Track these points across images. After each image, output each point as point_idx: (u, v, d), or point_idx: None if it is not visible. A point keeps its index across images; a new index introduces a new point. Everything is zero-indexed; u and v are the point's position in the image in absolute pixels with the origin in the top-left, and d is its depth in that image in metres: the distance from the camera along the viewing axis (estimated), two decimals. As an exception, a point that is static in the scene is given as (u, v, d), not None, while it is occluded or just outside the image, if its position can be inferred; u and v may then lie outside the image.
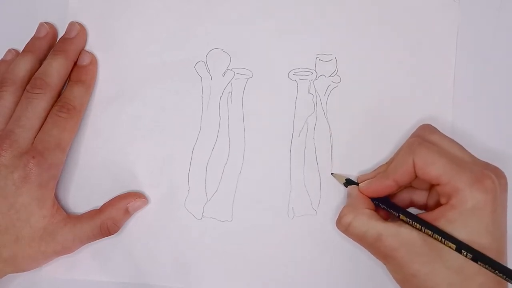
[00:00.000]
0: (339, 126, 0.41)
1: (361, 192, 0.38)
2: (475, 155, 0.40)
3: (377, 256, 0.36)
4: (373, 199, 0.37)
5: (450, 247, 0.32)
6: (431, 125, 0.38)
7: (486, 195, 0.32)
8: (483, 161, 0.36)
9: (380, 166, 0.39)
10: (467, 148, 0.40)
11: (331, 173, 0.40)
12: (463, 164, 0.34)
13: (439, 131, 0.37)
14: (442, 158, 0.34)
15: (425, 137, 0.37)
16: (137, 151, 0.42)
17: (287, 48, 0.41)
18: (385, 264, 0.35)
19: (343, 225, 0.36)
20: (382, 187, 0.37)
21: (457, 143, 0.37)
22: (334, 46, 0.41)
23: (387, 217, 0.37)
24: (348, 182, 0.39)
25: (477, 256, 0.32)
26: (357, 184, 0.39)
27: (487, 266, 0.32)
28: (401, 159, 0.35)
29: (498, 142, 0.41)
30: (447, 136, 0.37)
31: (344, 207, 0.37)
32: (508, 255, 0.35)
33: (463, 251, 0.32)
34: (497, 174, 0.34)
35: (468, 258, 0.32)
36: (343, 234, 0.37)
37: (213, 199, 0.41)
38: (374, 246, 0.35)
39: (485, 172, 0.33)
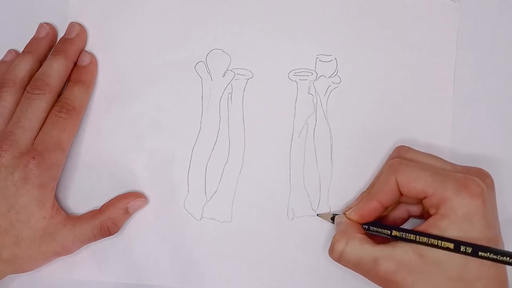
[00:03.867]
0: (339, 127, 0.41)
1: (349, 219, 0.37)
2: (475, 156, 0.40)
3: (376, 282, 0.35)
4: (362, 225, 0.37)
5: (447, 247, 0.32)
6: (405, 145, 0.39)
7: (475, 200, 0.32)
8: (464, 166, 0.36)
9: (361, 194, 0.39)
10: (467, 149, 0.40)
11: (317, 214, 0.40)
12: (446, 173, 0.34)
13: (414, 149, 0.38)
14: (424, 172, 0.34)
15: (402, 156, 0.37)
16: (137, 151, 0.42)
17: (287, 48, 0.41)
18: None
19: (336, 252, 0.35)
20: (368, 210, 0.36)
21: (434, 155, 0.37)
22: (334, 46, 0.41)
23: (379, 242, 0.37)
24: (334, 216, 0.39)
25: (476, 248, 0.32)
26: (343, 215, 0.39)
27: (488, 254, 0.32)
28: (384, 179, 0.36)
29: (498, 142, 0.41)
30: (422, 152, 0.37)
31: (334, 234, 0.36)
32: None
33: (461, 247, 0.32)
34: (481, 175, 0.35)
35: (468, 253, 0.32)
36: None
37: (212, 199, 0.41)
38: (371, 272, 0.34)
39: (469, 177, 0.33)
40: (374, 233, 0.37)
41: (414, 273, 0.33)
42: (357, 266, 0.35)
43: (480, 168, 0.36)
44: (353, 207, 0.37)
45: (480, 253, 0.32)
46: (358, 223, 0.37)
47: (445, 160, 0.37)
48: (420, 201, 0.37)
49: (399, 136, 0.40)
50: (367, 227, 0.37)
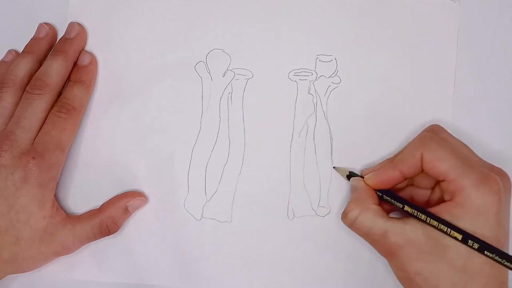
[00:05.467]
0: (339, 127, 0.41)
1: (366, 185, 0.38)
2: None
3: (381, 253, 0.36)
4: (377, 191, 0.37)
5: (455, 237, 0.33)
6: (441, 126, 0.38)
7: (492, 197, 0.33)
8: (489, 163, 0.36)
9: (384, 160, 0.39)
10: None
11: (333, 167, 0.40)
12: (471, 163, 0.34)
13: (447, 131, 0.38)
14: (452, 155, 0.34)
15: (435, 134, 0.37)
16: (137, 151, 0.42)
17: (287, 48, 0.41)
18: (389, 261, 0.36)
19: (349, 220, 0.36)
20: (388, 178, 0.37)
21: (464, 144, 0.37)
22: (334, 46, 0.41)
23: (390, 210, 0.38)
24: (351, 175, 0.39)
25: (483, 246, 0.32)
26: (360, 177, 0.39)
27: (493, 255, 0.32)
28: (410, 151, 0.36)
29: (498, 142, 0.41)
30: (455, 137, 0.37)
31: (349, 201, 0.37)
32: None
33: (469, 241, 0.32)
34: (501, 175, 0.35)
35: (474, 249, 0.32)
36: (344, 235, 0.37)
37: (212, 199, 0.41)
38: (379, 243, 0.35)
39: (491, 174, 0.34)
40: (387, 201, 0.37)
41: (419, 251, 0.34)
42: (367, 235, 0.36)
43: (502, 169, 0.36)
44: (373, 172, 0.38)
45: (486, 252, 0.32)
46: (374, 189, 0.37)
47: (473, 152, 0.37)
48: (431, 186, 0.37)
49: (399, 136, 0.40)
50: (381, 194, 0.37)
